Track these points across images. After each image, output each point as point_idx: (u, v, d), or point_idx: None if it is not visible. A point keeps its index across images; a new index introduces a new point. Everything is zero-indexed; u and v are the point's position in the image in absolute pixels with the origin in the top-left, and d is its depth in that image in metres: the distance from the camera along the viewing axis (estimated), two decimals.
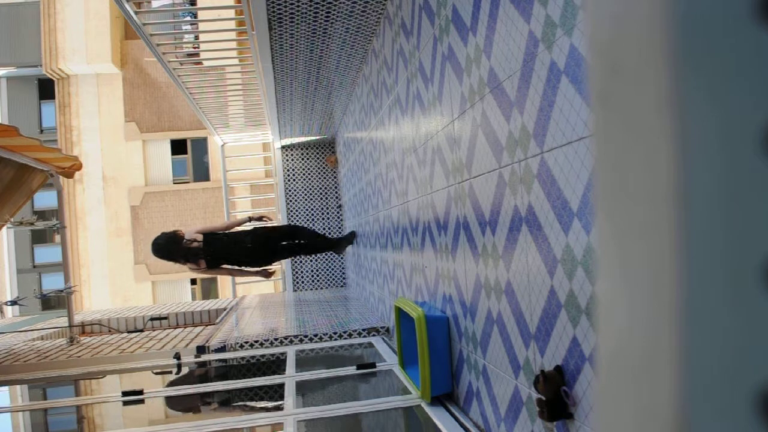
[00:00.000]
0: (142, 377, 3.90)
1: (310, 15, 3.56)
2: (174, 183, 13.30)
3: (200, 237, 4.97)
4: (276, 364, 3.91)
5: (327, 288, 7.61)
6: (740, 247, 0.19)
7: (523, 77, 1.62)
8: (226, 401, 3.52)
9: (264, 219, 5.42)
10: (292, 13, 3.52)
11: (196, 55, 5.14)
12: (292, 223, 7.21)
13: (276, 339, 4.15)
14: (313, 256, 7.29)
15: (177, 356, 3.99)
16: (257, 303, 6.71)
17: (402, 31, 3.16)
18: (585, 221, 1.34)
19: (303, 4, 3.40)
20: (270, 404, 3.25)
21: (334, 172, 7.66)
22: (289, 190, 7.64)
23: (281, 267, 8.01)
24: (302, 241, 5.65)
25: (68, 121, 13.10)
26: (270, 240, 5.38)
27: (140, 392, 3.24)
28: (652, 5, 0.20)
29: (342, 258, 7.51)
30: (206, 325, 5.71)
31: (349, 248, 6.45)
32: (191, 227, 5.20)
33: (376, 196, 4.56)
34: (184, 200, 13.06)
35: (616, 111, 0.23)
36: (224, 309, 6.50)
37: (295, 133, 7.04)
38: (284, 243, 5.53)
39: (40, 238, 14.89)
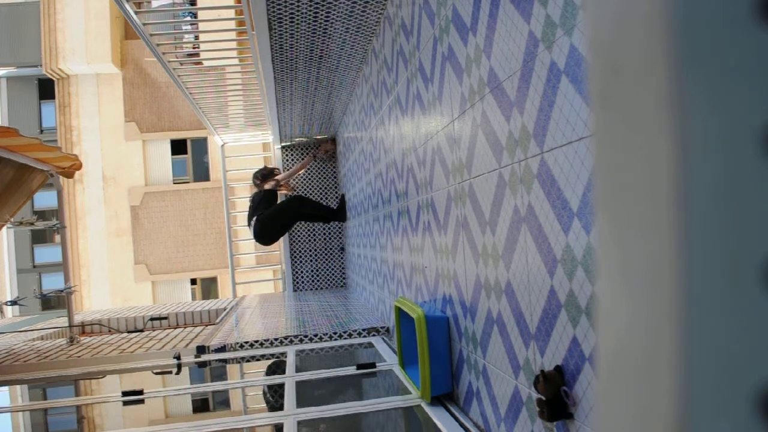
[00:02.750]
0: (142, 377, 3.90)
1: (310, 15, 3.56)
2: (174, 183, 13.30)
3: (271, 185, 6.54)
4: (276, 364, 3.91)
5: (327, 288, 7.61)
6: (740, 247, 0.19)
7: (523, 77, 1.62)
8: (226, 401, 3.52)
9: (325, 152, 7.18)
10: (292, 13, 3.52)
11: (196, 55, 5.13)
12: (294, 195, 7.32)
13: (276, 339, 4.15)
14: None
15: (177, 356, 3.99)
16: (257, 303, 6.71)
17: (402, 31, 3.16)
18: (585, 221, 1.34)
19: (303, 4, 3.40)
20: (270, 404, 3.25)
21: (334, 171, 7.65)
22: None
23: (282, 267, 8.01)
24: (304, 211, 6.63)
25: (68, 121, 13.10)
26: (275, 223, 6.39)
27: (140, 392, 3.24)
28: (652, 5, 0.20)
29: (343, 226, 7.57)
30: (206, 325, 5.72)
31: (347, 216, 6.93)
32: (282, 172, 7.04)
33: (376, 196, 4.56)
34: (184, 200, 13.06)
35: (616, 111, 0.23)
36: (224, 309, 6.51)
37: (295, 133, 7.04)
38: (287, 221, 6.53)
39: (40, 238, 14.90)
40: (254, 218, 6.21)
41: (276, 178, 6.62)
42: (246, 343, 4.10)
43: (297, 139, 7.41)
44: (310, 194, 7.62)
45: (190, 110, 12.04)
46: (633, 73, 0.22)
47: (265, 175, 6.62)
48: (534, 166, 1.58)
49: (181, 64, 4.81)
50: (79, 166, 5.36)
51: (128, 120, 13.16)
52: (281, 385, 3.20)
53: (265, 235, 6.26)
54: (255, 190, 6.74)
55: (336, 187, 7.65)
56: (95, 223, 13.02)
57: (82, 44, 12.88)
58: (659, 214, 0.20)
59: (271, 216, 6.24)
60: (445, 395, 2.63)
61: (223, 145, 7.71)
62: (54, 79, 13.19)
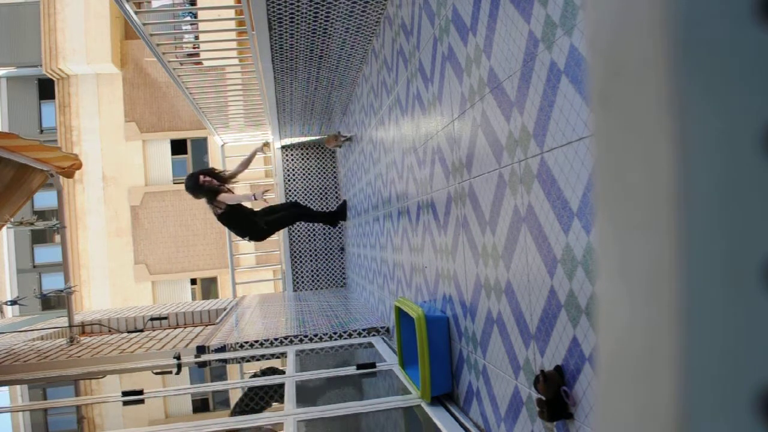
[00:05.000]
0: (142, 377, 3.90)
1: (310, 15, 3.56)
2: (174, 183, 13.29)
3: (213, 189, 5.41)
4: (276, 365, 3.91)
5: (327, 288, 7.61)
6: (740, 246, 0.19)
7: (523, 77, 1.62)
8: (226, 401, 3.52)
9: (265, 197, 5.74)
10: (292, 13, 3.52)
11: (196, 55, 5.13)
12: (292, 201, 7.13)
13: (276, 339, 4.15)
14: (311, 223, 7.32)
15: (177, 356, 3.99)
16: (257, 303, 6.71)
17: (402, 31, 3.16)
18: (585, 221, 1.34)
19: (303, 4, 3.40)
20: (270, 404, 3.25)
21: (334, 172, 7.65)
22: (289, 190, 7.64)
23: (282, 267, 8.01)
24: (303, 212, 6.20)
25: (68, 121, 13.10)
26: (274, 228, 5.99)
27: (140, 392, 3.24)
28: (652, 5, 0.20)
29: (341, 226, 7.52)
30: (206, 325, 5.71)
31: (348, 217, 6.72)
32: (228, 195, 5.55)
33: (376, 196, 4.56)
34: (184, 200, 13.05)
35: (616, 111, 0.23)
36: (224, 309, 6.50)
37: (295, 133, 7.03)
38: (286, 224, 6.10)
39: (40, 238, 14.89)
40: (248, 235, 5.84)
41: (223, 178, 5.45)
42: (246, 343, 4.10)
43: (297, 140, 7.40)
44: (311, 193, 7.62)
45: (190, 110, 12.04)
46: (633, 73, 0.22)
47: (195, 187, 5.31)
48: (534, 166, 1.58)
49: (181, 64, 4.81)
50: (79, 166, 5.36)
51: (128, 120, 13.15)
52: (281, 385, 3.20)
53: (264, 236, 6.01)
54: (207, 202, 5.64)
55: (336, 188, 7.66)
56: (95, 223, 13.02)
57: (82, 44, 12.88)
58: (659, 214, 0.20)
59: (271, 226, 5.92)
60: (445, 395, 2.63)
61: (223, 145, 7.71)
62: (54, 79, 13.19)
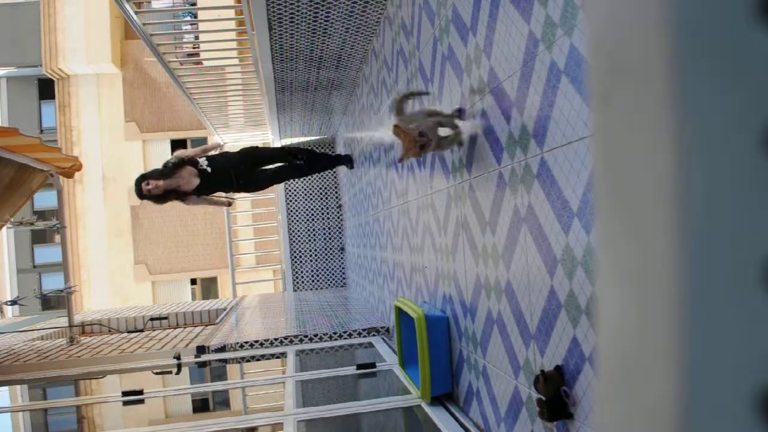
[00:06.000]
0: (142, 377, 3.90)
1: (310, 15, 3.56)
2: None
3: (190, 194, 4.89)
4: (276, 365, 3.91)
5: (327, 288, 7.61)
6: (740, 247, 0.19)
7: (523, 77, 1.62)
8: (226, 401, 3.52)
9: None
10: (292, 13, 3.52)
11: (196, 55, 5.13)
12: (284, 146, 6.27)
13: (276, 339, 4.15)
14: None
15: (177, 356, 3.99)
16: (257, 303, 6.71)
17: (402, 31, 3.16)
18: (585, 221, 1.34)
19: (303, 4, 3.40)
20: (270, 404, 3.25)
21: (334, 172, 7.63)
22: (289, 190, 7.64)
23: (282, 267, 8.01)
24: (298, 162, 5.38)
25: (68, 121, 13.10)
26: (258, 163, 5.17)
27: (140, 392, 3.24)
28: (652, 5, 0.20)
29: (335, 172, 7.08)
30: (206, 325, 5.71)
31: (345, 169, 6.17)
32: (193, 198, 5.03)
33: (376, 196, 4.56)
34: None
35: (616, 111, 0.23)
36: (224, 309, 6.50)
37: (295, 133, 7.03)
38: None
39: (40, 238, 14.89)
40: (235, 189, 5.16)
41: (172, 169, 4.88)
42: (246, 343, 4.10)
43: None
44: (310, 193, 7.61)
45: (190, 110, 12.04)
46: (633, 73, 0.22)
47: (143, 197, 4.84)
48: (534, 166, 1.58)
49: (181, 64, 4.81)
50: (79, 167, 5.36)
51: (128, 120, 13.15)
52: (281, 385, 3.20)
53: (256, 190, 5.39)
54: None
55: (336, 188, 7.65)
56: (95, 223, 13.02)
57: (82, 44, 12.87)
58: (659, 214, 0.20)
59: (263, 180, 5.20)
60: (445, 395, 2.63)
61: (223, 145, 7.71)
62: (54, 79, 13.19)
